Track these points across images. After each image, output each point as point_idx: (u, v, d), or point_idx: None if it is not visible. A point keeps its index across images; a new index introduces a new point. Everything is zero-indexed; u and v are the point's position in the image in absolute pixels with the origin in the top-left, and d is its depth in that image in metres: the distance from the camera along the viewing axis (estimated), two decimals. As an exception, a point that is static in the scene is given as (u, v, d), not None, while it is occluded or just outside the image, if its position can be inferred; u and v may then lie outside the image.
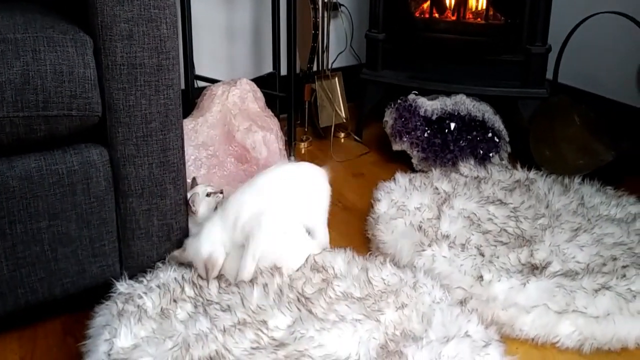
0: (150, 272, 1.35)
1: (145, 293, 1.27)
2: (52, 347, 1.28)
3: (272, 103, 2.06)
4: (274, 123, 1.86)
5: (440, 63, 2.21)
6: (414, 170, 2.00)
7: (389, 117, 2.09)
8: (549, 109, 2.05)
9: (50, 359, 1.25)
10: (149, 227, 1.33)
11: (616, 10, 2.05)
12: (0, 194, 1.14)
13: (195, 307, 1.27)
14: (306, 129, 2.35)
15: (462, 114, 2.01)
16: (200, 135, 1.72)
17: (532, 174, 1.89)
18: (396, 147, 2.05)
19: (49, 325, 1.34)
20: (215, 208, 1.46)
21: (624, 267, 1.43)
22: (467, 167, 1.92)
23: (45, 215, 1.20)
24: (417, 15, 2.23)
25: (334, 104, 2.29)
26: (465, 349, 1.14)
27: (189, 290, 1.30)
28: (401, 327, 1.21)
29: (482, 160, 1.96)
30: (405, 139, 2.01)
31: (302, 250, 1.41)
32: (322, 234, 1.50)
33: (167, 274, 1.33)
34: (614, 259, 1.47)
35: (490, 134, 1.99)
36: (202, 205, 1.44)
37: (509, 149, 2.02)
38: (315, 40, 2.16)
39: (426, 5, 2.22)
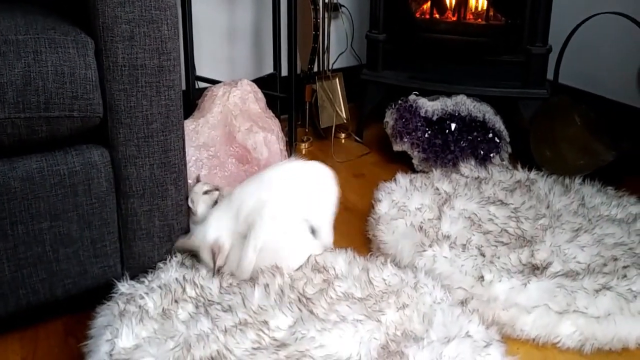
0: (151, 272, 1.35)
1: (146, 293, 1.27)
2: (53, 347, 1.28)
3: (273, 104, 2.07)
4: (274, 124, 1.87)
5: (441, 64, 2.21)
6: (414, 171, 2.00)
7: (389, 118, 2.09)
8: (549, 109, 2.05)
9: (52, 359, 1.25)
10: (150, 227, 1.33)
11: (617, 10, 2.05)
12: (1, 195, 1.14)
13: (197, 307, 1.27)
14: (307, 130, 2.36)
15: (462, 114, 2.01)
16: (201, 136, 1.72)
17: (532, 175, 1.89)
18: (397, 147, 2.05)
19: (51, 325, 1.34)
20: (215, 203, 1.46)
21: (624, 267, 1.43)
22: (468, 168, 1.92)
23: (47, 216, 1.20)
24: (418, 15, 2.23)
25: (335, 104, 2.29)
26: (466, 349, 1.14)
27: (190, 291, 1.31)
28: (402, 328, 1.22)
29: (483, 161, 1.97)
30: (406, 140, 2.02)
31: (303, 248, 1.41)
32: (326, 234, 1.49)
33: (168, 275, 1.33)
34: (615, 259, 1.47)
35: (490, 135, 2.00)
36: (199, 205, 1.45)
37: (509, 150, 2.02)
38: (316, 41, 2.16)
39: (427, 5, 2.22)
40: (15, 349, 1.27)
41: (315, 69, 2.30)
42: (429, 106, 2.03)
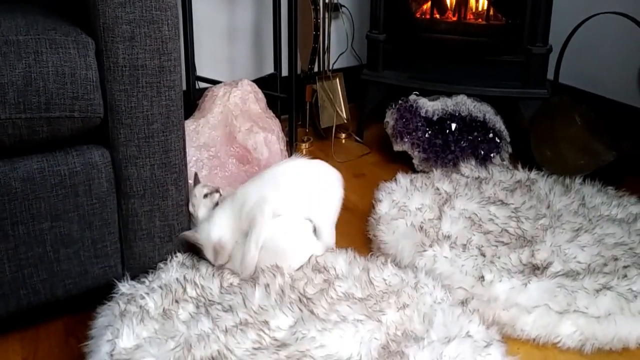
0: (152, 272, 1.35)
1: (147, 294, 1.27)
2: (54, 347, 1.28)
3: (274, 104, 2.07)
4: (275, 124, 1.87)
5: (441, 64, 2.21)
6: (415, 171, 2.00)
7: (389, 118, 2.09)
8: (549, 109, 2.05)
9: (53, 359, 1.26)
10: (151, 228, 1.33)
11: (617, 10, 2.05)
12: (2, 196, 1.14)
13: (197, 307, 1.27)
14: (307, 130, 2.36)
15: (463, 114, 2.01)
16: (201, 137, 1.73)
17: (533, 175, 1.89)
18: (397, 147, 2.05)
19: (52, 326, 1.34)
20: (215, 205, 1.47)
21: (625, 267, 1.43)
22: (468, 168, 1.92)
23: (48, 217, 1.20)
24: (418, 16, 2.23)
25: (335, 104, 2.29)
26: (466, 349, 1.14)
27: (191, 291, 1.31)
28: (402, 328, 1.22)
29: (483, 161, 1.97)
30: (406, 140, 2.02)
31: (305, 248, 1.41)
32: (328, 234, 1.48)
33: (169, 275, 1.34)
34: (615, 259, 1.47)
35: (491, 135, 2.00)
36: (200, 208, 1.45)
37: (509, 150, 2.02)
38: (316, 41, 2.16)
39: (427, 6, 2.22)
40: (16, 349, 1.27)
41: (316, 69, 2.30)
42: (430, 106, 2.03)
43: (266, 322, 1.21)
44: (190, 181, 1.51)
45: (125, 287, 1.30)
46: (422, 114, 2.02)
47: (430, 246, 1.49)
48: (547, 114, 2.04)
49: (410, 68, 2.24)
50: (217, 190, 1.51)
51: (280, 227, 1.41)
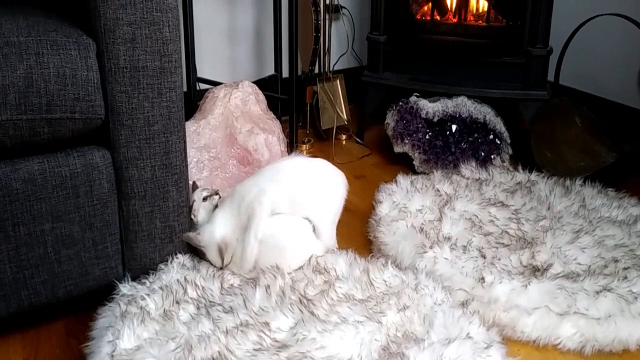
0: (153, 273, 1.35)
1: (148, 295, 1.27)
2: (55, 348, 1.28)
3: (274, 105, 2.07)
4: (275, 125, 1.87)
5: (442, 65, 2.21)
6: (415, 172, 2.00)
7: (390, 119, 2.09)
8: (550, 110, 2.05)
9: (54, 360, 1.26)
10: (152, 229, 1.33)
11: (617, 12, 2.06)
12: (3, 197, 1.15)
13: (198, 308, 1.27)
14: (308, 131, 2.36)
15: (463, 116, 2.01)
16: (202, 138, 1.73)
17: (533, 176, 1.89)
18: (398, 149, 2.05)
19: (52, 327, 1.34)
20: (215, 207, 1.47)
21: (625, 269, 1.43)
22: (469, 169, 1.92)
23: (49, 218, 1.20)
24: (419, 17, 2.23)
25: (336, 106, 2.29)
26: (466, 351, 1.14)
27: (192, 292, 1.31)
28: (403, 329, 1.22)
29: (484, 162, 1.97)
30: (407, 141, 2.02)
31: (305, 248, 1.41)
32: (327, 234, 1.48)
33: (169, 276, 1.34)
34: (616, 260, 1.47)
35: (491, 136, 2.00)
36: (200, 212, 1.46)
37: (510, 151, 2.02)
38: (317, 42, 2.16)
39: (427, 7, 2.22)
40: (17, 350, 1.28)
41: (316, 71, 2.30)
42: (430, 107, 2.04)
43: (267, 323, 1.21)
44: (190, 182, 1.52)
45: (126, 288, 1.30)
46: (423, 116, 2.03)
47: (431, 247, 1.49)
48: (547, 116, 2.04)
49: (411, 69, 2.25)
50: (217, 193, 1.51)
51: (280, 224, 1.41)
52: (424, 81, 2.18)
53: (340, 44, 2.57)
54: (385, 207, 1.70)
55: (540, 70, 2.09)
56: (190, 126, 1.74)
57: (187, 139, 1.56)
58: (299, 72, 2.20)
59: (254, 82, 1.94)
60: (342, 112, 2.30)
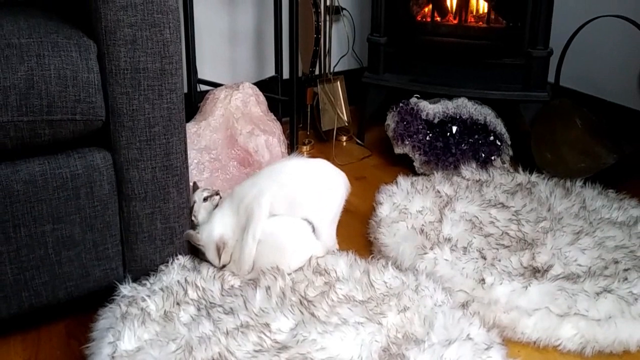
0: (153, 275, 1.35)
1: (148, 296, 1.27)
2: (55, 349, 1.28)
3: (275, 107, 2.07)
4: (276, 127, 1.87)
5: (442, 66, 2.22)
6: (415, 174, 2.00)
7: (390, 121, 2.09)
8: (550, 112, 2.05)
9: (54, 361, 1.26)
10: (152, 230, 1.33)
11: (617, 13, 2.06)
12: (4, 198, 1.15)
13: (199, 309, 1.27)
14: (308, 133, 2.36)
15: (463, 117, 2.01)
16: (203, 139, 1.73)
17: (533, 177, 1.90)
18: (398, 150, 2.05)
19: (53, 328, 1.34)
20: (215, 207, 1.47)
21: (625, 270, 1.43)
22: (469, 171, 1.92)
23: (49, 219, 1.20)
24: (419, 19, 2.23)
25: (336, 107, 2.29)
26: (467, 352, 1.15)
27: (192, 293, 1.31)
28: (403, 330, 1.22)
29: (484, 164, 1.97)
30: (407, 143, 2.02)
31: (305, 247, 1.41)
32: (327, 235, 1.48)
33: (170, 277, 1.34)
34: (616, 262, 1.47)
35: (491, 137, 2.00)
36: (200, 212, 1.46)
37: (510, 152, 2.02)
38: (317, 44, 2.17)
39: (428, 9, 2.23)
40: (17, 351, 1.28)
41: (317, 72, 2.30)
42: (430, 109, 2.04)
43: (267, 325, 1.21)
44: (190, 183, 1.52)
45: (126, 289, 1.30)
46: (423, 117, 2.03)
47: (431, 249, 1.49)
48: (547, 117, 2.04)
49: (411, 71, 2.25)
50: (217, 193, 1.51)
51: (280, 224, 1.42)
52: (425, 82, 2.18)
53: (340, 46, 2.57)
54: (385, 208, 1.70)
55: (541, 71, 2.09)
56: (191, 127, 1.74)
57: (188, 141, 1.56)
58: (300, 74, 2.21)
59: (255, 84, 1.94)
60: (342, 113, 2.31)
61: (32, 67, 1.10)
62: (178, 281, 1.33)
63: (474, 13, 2.21)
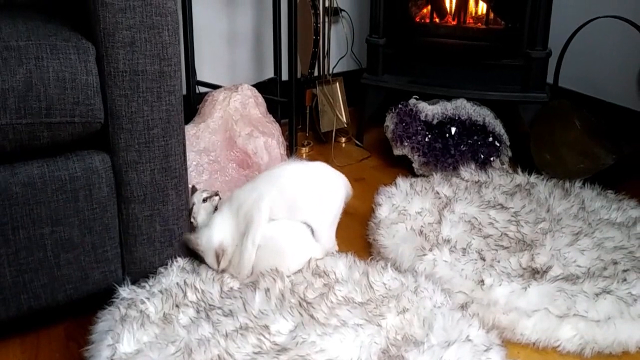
0: (152, 277, 1.35)
1: (147, 298, 1.27)
2: (54, 352, 1.28)
3: (274, 108, 2.07)
4: (275, 128, 1.87)
5: (441, 68, 2.22)
6: (414, 175, 2.00)
7: (389, 122, 2.09)
8: (549, 113, 2.05)
9: (53, 364, 1.26)
10: (151, 232, 1.33)
11: (616, 14, 2.06)
12: (3, 201, 1.15)
13: (198, 312, 1.27)
14: (307, 134, 2.36)
15: (462, 118, 2.01)
16: (202, 141, 1.73)
17: (532, 178, 1.90)
18: (397, 151, 2.06)
19: (52, 330, 1.34)
20: (215, 209, 1.47)
21: (624, 271, 1.43)
22: (468, 172, 1.92)
23: (48, 222, 1.20)
24: (418, 20, 2.23)
25: (335, 108, 2.29)
26: (466, 354, 1.15)
27: (192, 295, 1.31)
28: (402, 332, 1.22)
29: (483, 165, 1.97)
30: (406, 144, 2.02)
31: (304, 249, 1.41)
32: (326, 238, 1.48)
33: (169, 279, 1.34)
34: (615, 262, 1.47)
35: (490, 138, 2.00)
36: (200, 213, 1.46)
37: (509, 153, 2.02)
38: (316, 45, 2.17)
39: (426, 10, 2.23)
40: (16, 354, 1.28)
41: (316, 74, 2.30)
42: (429, 110, 2.04)
43: (266, 327, 1.21)
44: (190, 185, 1.52)
45: (125, 291, 1.30)
46: (422, 118, 2.03)
47: (430, 250, 1.49)
48: (546, 118, 2.04)
49: (410, 72, 2.25)
50: (217, 194, 1.51)
51: (279, 228, 1.42)
52: (423, 84, 2.18)
53: (339, 47, 2.58)
54: (384, 209, 1.70)
55: (540, 72, 2.09)
56: (190, 129, 1.74)
57: (187, 143, 1.56)
58: (299, 75, 2.21)
59: (254, 85, 1.94)
60: (341, 114, 2.31)
61: (31, 70, 1.10)
62: (177, 283, 1.33)
63: (473, 14, 2.22)
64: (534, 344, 1.29)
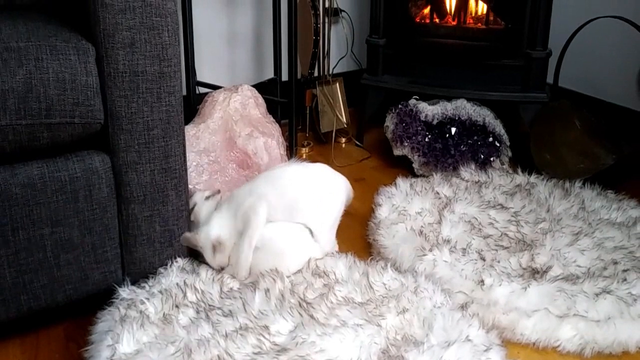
0: (152, 277, 1.35)
1: (147, 299, 1.27)
2: (54, 352, 1.28)
3: (274, 109, 2.07)
4: (275, 129, 1.87)
5: (441, 68, 2.22)
6: (415, 175, 2.00)
7: (389, 122, 2.09)
8: (549, 113, 2.05)
9: (53, 365, 1.26)
10: (151, 233, 1.33)
11: (616, 14, 2.06)
12: (3, 202, 1.15)
13: (197, 312, 1.27)
14: (307, 135, 2.36)
15: (462, 118, 2.01)
16: (201, 142, 1.73)
17: (532, 178, 1.90)
18: (397, 152, 2.06)
19: (52, 331, 1.34)
20: (216, 208, 1.48)
21: (624, 271, 1.43)
22: (468, 172, 1.92)
23: (48, 222, 1.20)
24: (418, 20, 2.23)
25: (335, 109, 2.29)
26: (466, 354, 1.15)
27: (191, 296, 1.31)
28: (402, 332, 1.22)
29: (483, 165, 1.97)
30: (406, 144, 2.02)
31: (303, 250, 1.41)
32: (326, 239, 1.48)
33: (169, 280, 1.34)
34: (615, 262, 1.47)
35: (490, 139, 2.00)
36: (202, 211, 1.46)
37: (509, 154, 2.02)
38: (316, 45, 2.17)
39: (426, 10, 2.23)
40: (16, 354, 1.28)
41: (316, 74, 2.30)
42: (429, 110, 2.04)
43: (266, 327, 1.21)
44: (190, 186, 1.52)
45: (125, 292, 1.30)
46: (422, 118, 2.03)
47: (430, 250, 1.49)
48: (546, 118, 2.04)
49: (410, 72, 2.25)
50: (218, 192, 1.52)
51: (278, 229, 1.42)
52: (424, 84, 2.19)
53: (339, 47, 2.58)
54: (384, 210, 1.70)
55: (540, 72, 2.10)
56: (190, 130, 1.74)
57: (187, 143, 1.56)
58: (299, 76, 2.21)
59: (254, 86, 1.94)
60: (341, 115, 2.31)
61: (31, 71, 1.11)
62: (177, 284, 1.33)
63: (473, 14, 2.22)
64: (534, 344, 1.29)
